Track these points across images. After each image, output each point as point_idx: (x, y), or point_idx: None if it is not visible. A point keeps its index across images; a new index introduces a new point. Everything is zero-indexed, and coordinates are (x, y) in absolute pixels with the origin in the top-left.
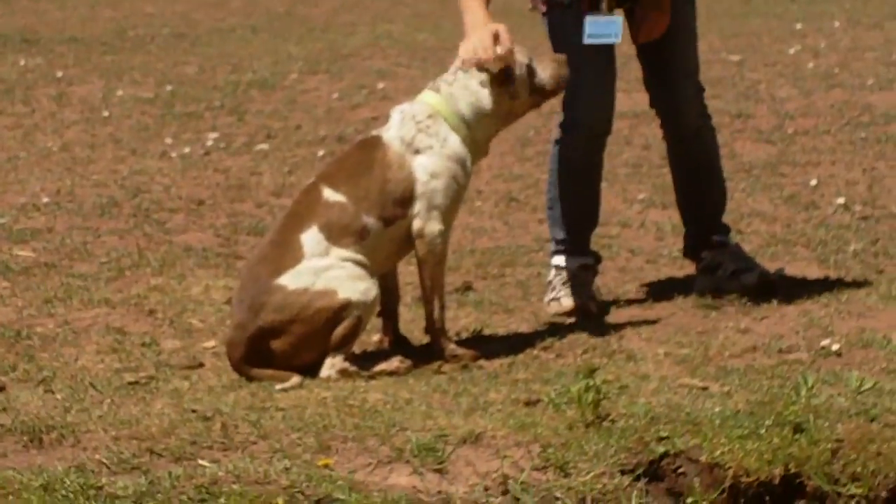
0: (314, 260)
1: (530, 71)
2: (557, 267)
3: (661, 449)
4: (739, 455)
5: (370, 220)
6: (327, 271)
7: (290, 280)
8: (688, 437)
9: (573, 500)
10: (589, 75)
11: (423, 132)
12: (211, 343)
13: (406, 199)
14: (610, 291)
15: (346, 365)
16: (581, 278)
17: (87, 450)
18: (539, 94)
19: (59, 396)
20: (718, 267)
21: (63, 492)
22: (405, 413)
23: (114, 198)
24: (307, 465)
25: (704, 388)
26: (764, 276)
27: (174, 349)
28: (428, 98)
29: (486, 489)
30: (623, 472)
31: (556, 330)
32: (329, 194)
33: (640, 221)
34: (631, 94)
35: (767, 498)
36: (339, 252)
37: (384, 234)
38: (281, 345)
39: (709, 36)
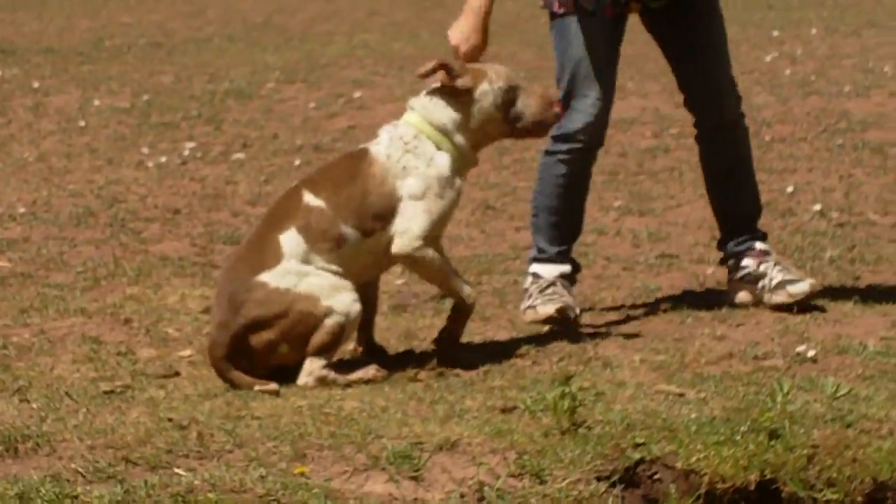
0: (294, 261)
1: (510, 96)
2: (535, 275)
3: (637, 455)
4: (715, 461)
5: (348, 230)
6: (308, 276)
7: (272, 278)
8: (664, 443)
9: None
10: (593, 87)
11: (410, 153)
12: (187, 352)
13: (386, 214)
14: (586, 299)
15: (325, 372)
16: (559, 286)
17: (63, 459)
18: (516, 123)
19: (34, 406)
20: (762, 277)
21: (38, 501)
22: (381, 421)
23: (90, 208)
24: (283, 474)
25: (680, 395)
26: (814, 287)
27: (150, 358)
28: (410, 118)
29: (462, 496)
30: (599, 479)
31: (532, 337)
32: (309, 198)
33: (617, 229)
34: None
35: None
36: (316, 260)
37: (362, 244)
38: (262, 341)
39: None
